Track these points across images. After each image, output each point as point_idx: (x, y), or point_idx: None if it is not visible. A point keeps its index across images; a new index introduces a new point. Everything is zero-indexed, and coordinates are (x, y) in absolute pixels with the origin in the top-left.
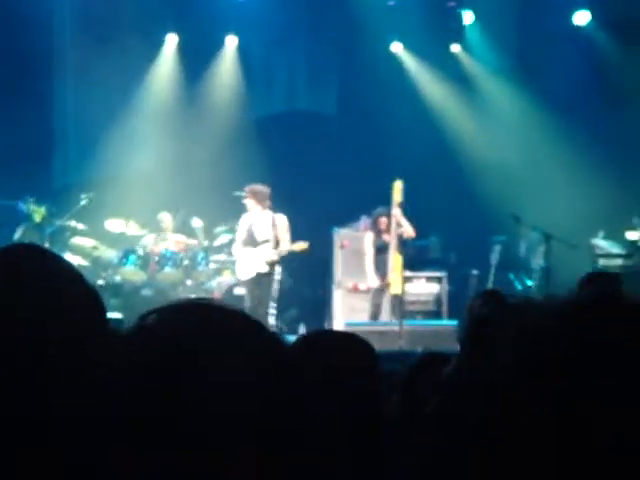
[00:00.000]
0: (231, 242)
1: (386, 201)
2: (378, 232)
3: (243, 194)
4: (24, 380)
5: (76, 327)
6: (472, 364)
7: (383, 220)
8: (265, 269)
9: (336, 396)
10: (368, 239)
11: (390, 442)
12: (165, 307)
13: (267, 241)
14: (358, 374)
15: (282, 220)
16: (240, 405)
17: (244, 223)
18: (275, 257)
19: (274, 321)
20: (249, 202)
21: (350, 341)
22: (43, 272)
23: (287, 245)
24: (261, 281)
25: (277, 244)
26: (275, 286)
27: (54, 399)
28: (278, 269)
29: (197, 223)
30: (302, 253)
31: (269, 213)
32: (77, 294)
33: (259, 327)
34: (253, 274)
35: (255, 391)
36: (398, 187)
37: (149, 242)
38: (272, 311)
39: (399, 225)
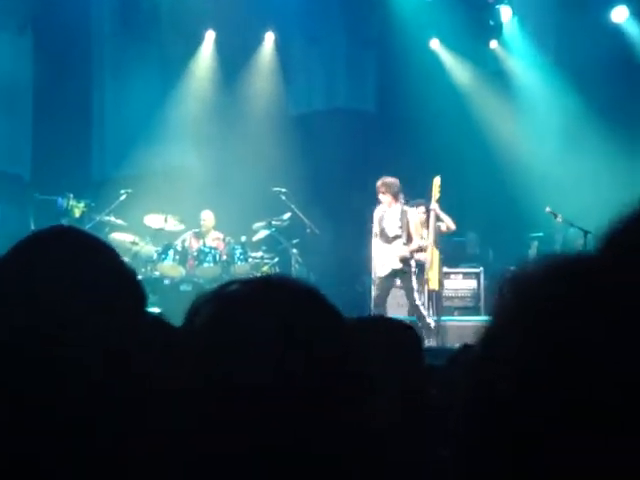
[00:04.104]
0: (270, 237)
1: (425, 197)
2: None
3: (283, 190)
4: (58, 365)
5: (117, 311)
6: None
7: (420, 209)
8: (399, 266)
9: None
10: None
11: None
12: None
13: (398, 237)
14: (409, 359)
15: (413, 214)
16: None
17: (376, 217)
18: (407, 254)
19: (425, 311)
20: (384, 197)
21: (399, 326)
22: (87, 251)
23: (418, 241)
24: (397, 277)
25: (409, 239)
26: (414, 278)
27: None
28: (413, 263)
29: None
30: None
31: (399, 207)
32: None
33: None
34: (388, 270)
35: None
36: (437, 183)
37: (188, 237)
38: (419, 302)
39: (439, 219)
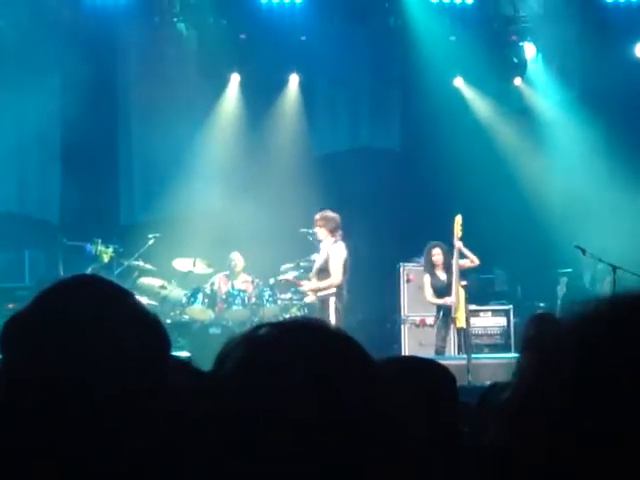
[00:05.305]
0: (298, 279)
1: (449, 235)
2: (432, 267)
3: (310, 231)
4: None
5: (139, 358)
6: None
7: (435, 251)
8: (311, 300)
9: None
10: (427, 281)
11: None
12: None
13: (316, 271)
14: (441, 398)
15: (335, 250)
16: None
17: None
18: (317, 289)
19: None
20: (320, 231)
21: (430, 366)
22: (108, 299)
23: (335, 278)
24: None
25: (327, 274)
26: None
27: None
28: (331, 303)
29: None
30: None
31: (329, 242)
32: (140, 323)
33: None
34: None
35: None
36: (458, 221)
37: (217, 280)
38: None
39: (463, 256)
